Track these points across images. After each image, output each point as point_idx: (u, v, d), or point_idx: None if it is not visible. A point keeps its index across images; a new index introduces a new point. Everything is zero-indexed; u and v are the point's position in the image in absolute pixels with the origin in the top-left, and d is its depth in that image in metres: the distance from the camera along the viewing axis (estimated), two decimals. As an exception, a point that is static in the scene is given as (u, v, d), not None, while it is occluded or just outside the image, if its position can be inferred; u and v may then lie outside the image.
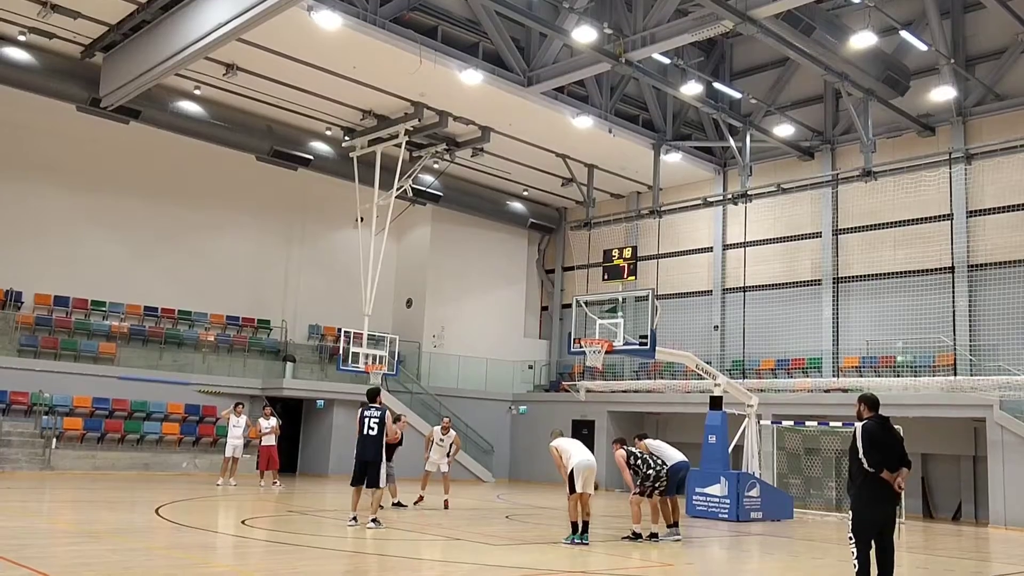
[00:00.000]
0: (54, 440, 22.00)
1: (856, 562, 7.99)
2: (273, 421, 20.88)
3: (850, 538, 8.06)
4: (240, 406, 21.27)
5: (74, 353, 24.48)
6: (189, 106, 24.83)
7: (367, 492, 12.74)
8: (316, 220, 30.87)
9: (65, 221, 25.62)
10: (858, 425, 8.20)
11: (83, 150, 25.90)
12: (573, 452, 12.15)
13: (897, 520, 8.35)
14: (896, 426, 8.48)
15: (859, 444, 8.03)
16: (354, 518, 12.69)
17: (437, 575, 9.28)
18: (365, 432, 12.70)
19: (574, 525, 11.89)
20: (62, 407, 22.88)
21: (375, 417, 12.76)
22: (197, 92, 24.45)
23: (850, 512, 8.18)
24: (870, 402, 8.38)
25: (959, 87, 23.59)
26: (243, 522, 13.12)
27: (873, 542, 8.00)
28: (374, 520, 12.63)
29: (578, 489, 11.82)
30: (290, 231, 30.44)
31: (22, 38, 21.89)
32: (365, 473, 12.65)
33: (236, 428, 20.45)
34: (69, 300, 25.65)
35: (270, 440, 20.61)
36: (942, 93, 23.36)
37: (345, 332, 24.69)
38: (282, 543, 11.29)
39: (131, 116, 24.08)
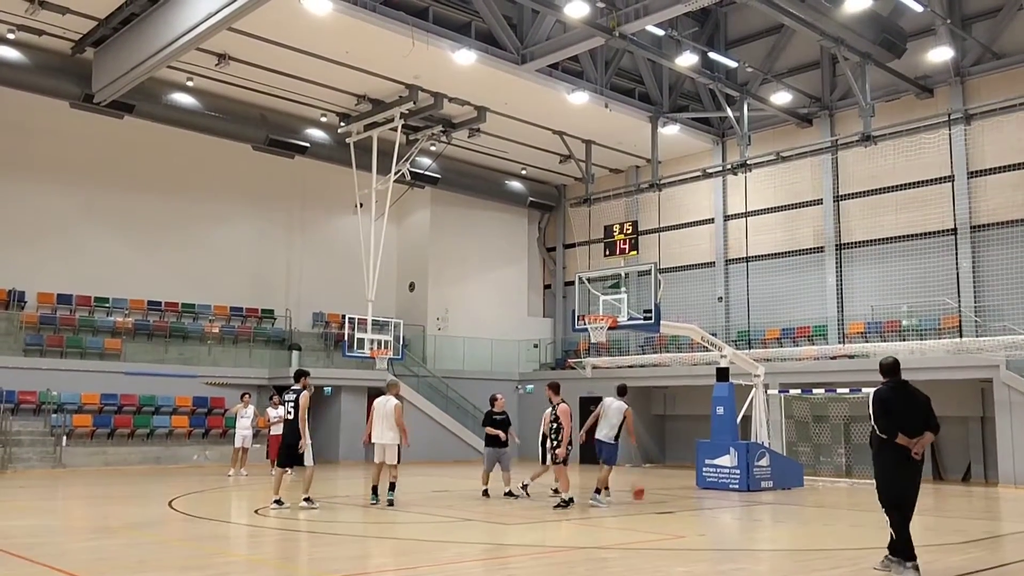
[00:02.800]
0: (64, 438, 22.09)
1: (892, 531, 7.78)
2: (281, 410, 20.89)
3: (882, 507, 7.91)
4: (247, 396, 21.31)
5: (80, 350, 24.52)
6: (183, 98, 24.73)
7: (293, 472, 13.69)
8: (315, 207, 30.82)
9: (64, 219, 25.61)
10: (871, 391, 8.04)
11: (79, 147, 25.83)
12: (373, 424, 13.64)
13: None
14: (919, 390, 8.17)
15: (870, 410, 7.90)
16: (277, 500, 13.02)
17: (452, 556, 9.31)
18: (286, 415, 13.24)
19: (373, 488, 13.73)
20: (71, 405, 22.96)
21: (291, 400, 13.08)
22: (190, 84, 24.34)
23: (875, 481, 8.02)
24: (884, 368, 8.17)
25: (956, 47, 23.40)
26: (256, 511, 13.18)
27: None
28: (307, 499, 13.06)
29: (376, 460, 13.70)
30: (290, 219, 30.39)
31: (11, 36, 21.78)
32: (290, 456, 13.05)
33: (244, 419, 20.50)
34: (72, 298, 25.68)
35: (279, 429, 20.63)
36: (939, 54, 23.18)
37: (349, 318, 24.72)
38: (295, 530, 11.34)
39: (125, 111, 23.98)
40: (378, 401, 13.76)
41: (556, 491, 14.29)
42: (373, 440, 13.66)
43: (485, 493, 15.29)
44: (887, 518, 7.80)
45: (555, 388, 14.38)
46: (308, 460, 13.06)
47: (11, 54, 22.26)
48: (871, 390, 8.05)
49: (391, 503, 13.52)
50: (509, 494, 15.10)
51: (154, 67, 21.06)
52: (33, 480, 18.64)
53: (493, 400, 15.83)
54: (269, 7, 18.61)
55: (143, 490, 16.81)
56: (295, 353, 27.53)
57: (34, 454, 21.65)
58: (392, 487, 13.67)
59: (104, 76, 22.27)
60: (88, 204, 26.11)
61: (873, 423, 7.85)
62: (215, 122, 25.49)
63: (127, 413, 23.71)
